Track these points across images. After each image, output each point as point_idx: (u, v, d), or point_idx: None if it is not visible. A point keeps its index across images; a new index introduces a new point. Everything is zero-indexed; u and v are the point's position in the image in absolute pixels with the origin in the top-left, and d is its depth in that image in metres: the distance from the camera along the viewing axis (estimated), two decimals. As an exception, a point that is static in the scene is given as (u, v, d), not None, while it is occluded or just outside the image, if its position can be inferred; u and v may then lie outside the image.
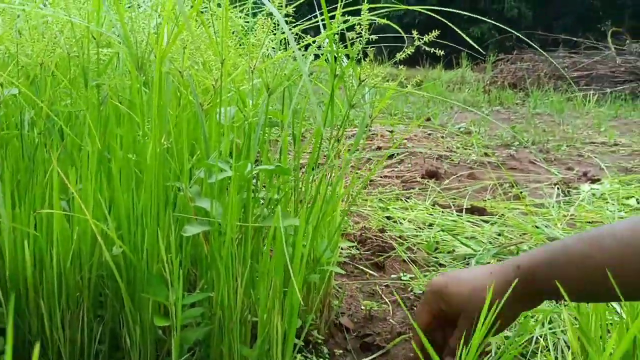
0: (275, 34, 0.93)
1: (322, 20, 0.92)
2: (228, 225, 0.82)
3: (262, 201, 0.95)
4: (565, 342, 1.11)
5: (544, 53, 6.81)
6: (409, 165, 2.89)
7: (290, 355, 0.89)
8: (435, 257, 1.65)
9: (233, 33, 0.99)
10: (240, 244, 0.87)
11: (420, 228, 1.89)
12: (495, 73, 8.00)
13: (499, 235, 1.82)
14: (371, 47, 0.91)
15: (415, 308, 1.31)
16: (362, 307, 1.31)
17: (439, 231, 1.85)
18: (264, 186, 1.00)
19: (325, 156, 0.98)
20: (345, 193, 1.22)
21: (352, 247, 1.67)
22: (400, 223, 1.93)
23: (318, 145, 0.98)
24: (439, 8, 0.91)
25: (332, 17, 0.89)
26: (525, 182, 2.64)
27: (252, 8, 1.12)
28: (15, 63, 0.90)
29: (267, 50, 0.87)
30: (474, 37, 13.04)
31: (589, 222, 1.97)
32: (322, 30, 0.93)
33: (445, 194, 2.35)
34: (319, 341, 1.13)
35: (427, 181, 2.54)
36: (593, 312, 0.92)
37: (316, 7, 0.94)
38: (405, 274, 1.54)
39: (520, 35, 1.05)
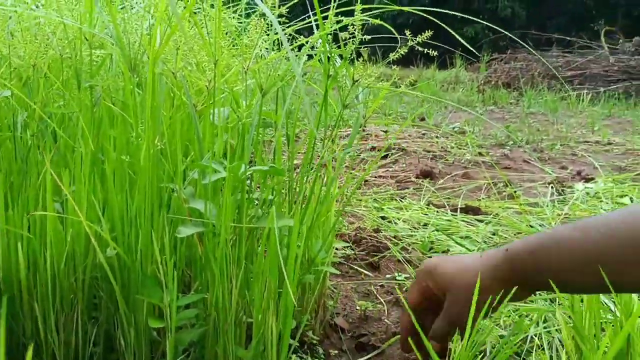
0: (268, 35, 0.93)
1: (316, 20, 0.92)
2: (222, 226, 0.82)
3: (256, 202, 0.95)
4: (560, 341, 1.11)
5: (536, 54, 6.82)
6: (404, 165, 2.89)
7: (285, 355, 0.89)
8: (430, 257, 1.65)
9: (226, 34, 0.99)
10: (235, 245, 0.87)
11: (415, 228, 1.89)
12: (489, 73, 8.01)
13: (494, 234, 1.82)
14: (365, 48, 0.91)
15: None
16: (357, 308, 1.31)
17: (433, 231, 1.85)
18: (258, 187, 1.00)
19: (319, 156, 0.98)
20: (339, 193, 1.22)
21: (347, 247, 1.67)
22: (395, 223, 1.93)
23: (312, 145, 0.98)
24: (432, 9, 0.91)
25: (326, 18, 0.89)
26: (520, 182, 2.65)
27: (246, 9, 1.12)
28: (8, 65, 0.90)
29: (261, 51, 0.87)
30: (468, 37, 13.07)
31: (583, 221, 1.97)
32: (315, 31, 0.93)
33: (440, 193, 2.35)
34: (314, 342, 1.13)
35: (422, 181, 2.55)
36: (587, 311, 0.92)
37: (309, 8, 0.94)
38: (400, 273, 1.54)
39: (513, 36, 1.05)
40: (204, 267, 0.88)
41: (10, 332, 0.90)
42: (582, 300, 0.93)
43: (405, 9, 0.96)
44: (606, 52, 7.48)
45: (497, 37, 11.20)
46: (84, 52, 0.90)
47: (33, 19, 0.92)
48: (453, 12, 0.87)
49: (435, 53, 0.89)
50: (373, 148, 3.25)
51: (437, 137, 3.71)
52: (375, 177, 2.65)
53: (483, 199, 2.29)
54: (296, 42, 0.91)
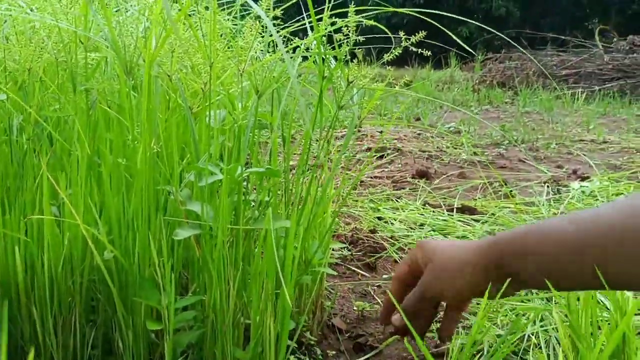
0: (263, 37, 0.94)
1: (310, 22, 0.92)
2: (219, 228, 0.82)
3: (253, 204, 0.95)
4: (557, 340, 1.12)
5: (529, 55, 6.83)
6: (399, 165, 2.90)
7: (283, 356, 0.89)
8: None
9: (221, 36, 0.99)
10: (232, 246, 0.87)
11: (411, 228, 1.90)
12: (484, 72, 8.01)
13: (490, 234, 1.83)
14: (359, 49, 0.91)
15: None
16: (355, 308, 1.32)
17: (430, 231, 1.85)
18: (255, 188, 1.00)
19: (315, 157, 0.98)
20: (335, 194, 1.22)
21: (344, 248, 1.67)
22: (391, 223, 1.93)
23: (307, 146, 0.98)
24: (427, 10, 0.91)
25: (320, 19, 0.90)
26: (515, 181, 2.65)
27: (240, 11, 1.13)
28: (3, 69, 0.90)
29: (256, 53, 0.87)
30: (463, 36, 13.08)
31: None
32: (309, 33, 0.94)
33: (436, 193, 2.35)
34: (312, 342, 1.13)
35: (418, 181, 2.55)
36: (583, 310, 0.93)
37: (303, 10, 0.94)
38: (397, 274, 1.54)
39: (506, 37, 1.06)
40: (202, 269, 0.89)
41: (9, 335, 0.90)
42: (578, 299, 0.94)
43: (400, 10, 0.96)
44: (600, 50, 7.50)
45: (491, 36, 11.22)
46: (79, 55, 0.90)
47: (28, 22, 0.92)
48: (447, 14, 0.87)
49: (430, 53, 0.89)
50: (369, 149, 3.26)
51: (432, 137, 3.71)
52: (371, 177, 2.65)
53: (479, 198, 2.30)
54: (291, 44, 0.91)
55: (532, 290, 1.27)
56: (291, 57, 0.93)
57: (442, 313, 0.93)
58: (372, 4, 1.06)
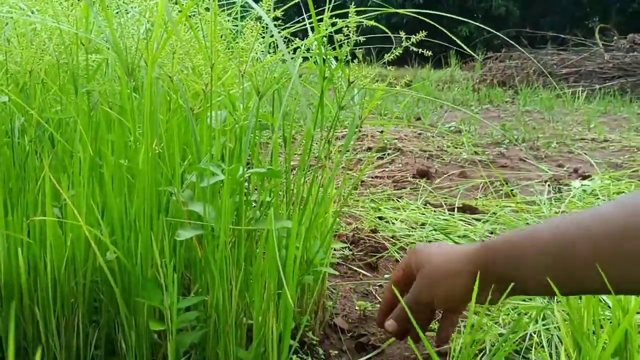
0: (264, 38, 0.94)
1: (310, 23, 0.93)
2: (221, 228, 0.82)
3: (254, 204, 0.95)
4: (559, 338, 1.12)
5: (528, 55, 6.83)
6: (400, 165, 2.90)
7: (286, 356, 0.90)
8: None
9: (222, 37, 0.99)
10: (234, 247, 0.87)
11: (412, 228, 1.90)
12: (484, 71, 8.01)
13: (491, 233, 1.83)
14: (360, 49, 0.92)
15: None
16: (357, 308, 1.32)
17: (431, 230, 1.86)
18: (256, 189, 1.01)
19: (316, 158, 0.98)
20: (336, 194, 1.22)
21: (345, 248, 1.68)
22: (392, 223, 1.93)
23: (309, 147, 0.98)
24: (426, 11, 0.91)
25: (320, 20, 0.90)
26: (516, 180, 2.65)
27: (240, 11, 1.13)
28: (5, 71, 0.90)
29: (257, 53, 0.87)
30: (462, 36, 13.08)
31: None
32: (310, 33, 0.94)
33: (437, 193, 2.35)
34: (314, 342, 1.14)
35: (419, 181, 2.55)
36: (585, 308, 0.93)
37: (304, 10, 0.94)
38: (398, 273, 1.54)
39: (505, 37, 1.06)
40: (204, 269, 0.89)
41: (12, 337, 0.91)
42: (580, 298, 0.94)
43: (400, 10, 0.96)
44: (601, 49, 7.49)
45: (491, 35, 11.21)
46: (81, 57, 0.91)
47: (29, 24, 0.92)
48: (447, 14, 0.87)
49: (430, 53, 0.90)
50: (369, 149, 3.26)
51: (433, 136, 3.71)
52: (372, 177, 2.65)
53: (480, 197, 2.30)
54: (292, 45, 0.92)
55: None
56: (292, 58, 0.93)
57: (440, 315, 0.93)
58: (372, 4, 1.06)
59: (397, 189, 2.42)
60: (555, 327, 1.15)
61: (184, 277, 1.04)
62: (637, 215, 0.70)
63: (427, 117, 4.66)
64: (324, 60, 0.93)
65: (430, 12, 0.90)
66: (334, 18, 0.89)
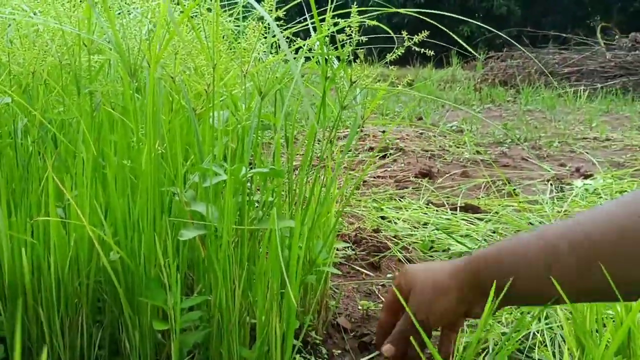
0: (266, 38, 0.94)
1: (312, 23, 0.93)
2: (224, 228, 0.82)
3: (257, 204, 0.95)
4: (562, 337, 1.12)
5: (529, 54, 6.82)
6: (402, 165, 2.90)
7: (289, 356, 0.90)
8: (431, 256, 1.66)
9: (224, 37, 1.00)
10: (237, 246, 0.88)
11: (414, 227, 1.90)
12: (486, 71, 8.01)
13: (494, 232, 1.83)
14: (361, 49, 0.92)
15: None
16: (359, 307, 1.32)
17: (433, 230, 1.86)
18: (258, 189, 1.01)
19: (318, 158, 0.98)
20: (339, 194, 1.22)
21: (348, 247, 1.68)
22: (394, 223, 1.93)
23: (311, 147, 0.98)
24: (428, 10, 0.92)
25: (322, 20, 0.90)
26: (519, 179, 2.65)
27: (242, 12, 1.13)
28: (8, 72, 0.90)
29: (259, 54, 0.87)
30: (464, 35, 13.07)
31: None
32: (312, 33, 0.94)
33: (439, 192, 2.35)
34: (317, 342, 1.14)
35: (421, 180, 2.55)
36: (588, 307, 0.93)
37: (305, 10, 0.94)
38: (401, 273, 1.54)
39: (506, 37, 1.06)
40: (207, 269, 0.89)
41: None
42: (582, 296, 0.94)
43: (401, 10, 0.96)
44: (602, 48, 7.49)
45: (493, 35, 11.20)
46: (83, 58, 0.91)
47: (31, 26, 0.93)
48: (448, 14, 0.87)
49: (432, 52, 0.90)
50: (371, 148, 3.26)
51: (435, 136, 3.71)
52: (374, 177, 2.65)
53: (482, 197, 2.30)
54: (294, 45, 0.92)
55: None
56: (294, 58, 0.93)
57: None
58: (373, 4, 1.07)
59: (399, 189, 2.42)
60: (558, 326, 1.15)
61: (187, 277, 1.04)
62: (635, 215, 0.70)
63: (429, 116, 4.66)
64: (326, 60, 0.93)
65: (432, 11, 0.90)
66: (335, 18, 0.89)
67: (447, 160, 3.04)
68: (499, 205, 2.13)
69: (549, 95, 6.04)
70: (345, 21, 0.88)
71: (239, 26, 1.14)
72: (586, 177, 2.61)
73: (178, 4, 0.90)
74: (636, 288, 0.72)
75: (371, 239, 1.73)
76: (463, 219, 1.97)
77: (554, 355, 1.08)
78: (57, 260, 0.87)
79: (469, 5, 15.25)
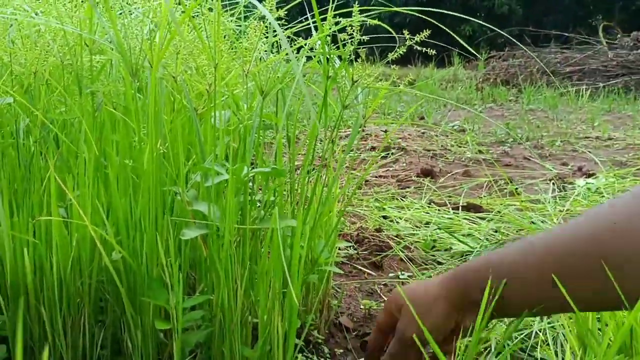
0: (267, 37, 0.94)
1: (314, 22, 0.93)
2: (226, 228, 0.82)
3: (259, 204, 0.95)
4: (564, 336, 1.12)
5: (531, 54, 6.82)
6: (404, 164, 2.90)
7: (291, 355, 0.90)
8: (433, 255, 1.66)
9: (225, 37, 1.00)
10: (239, 246, 0.88)
11: (416, 227, 1.90)
12: (488, 70, 8.01)
13: (496, 231, 1.83)
14: (363, 48, 0.92)
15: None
16: (362, 307, 1.32)
17: (435, 229, 1.86)
18: (260, 189, 1.01)
19: (319, 157, 0.98)
20: (341, 193, 1.22)
21: (350, 247, 1.68)
22: (396, 222, 1.93)
23: (312, 146, 0.98)
24: (429, 9, 0.92)
25: (324, 19, 0.90)
26: (521, 179, 2.65)
27: (244, 11, 1.13)
28: (10, 72, 0.90)
29: (260, 53, 0.87)
30: (465, 35, 13.07)
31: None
32: (313, 33, 0.94)
33: (441, 192, 2.35)
34: (320, 341, 1.14)
35: (423, 180, 2.55)
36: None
37: (307, 10, 0.94)
38: (403, 272, 1.54)
39: (509, 36, 1.06)
40: (209, 268, 0.89)
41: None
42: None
43: (403, 9, 0.96)
44: (604, 47, 7.48)
45: (494, 34, 11.20)
46: (85, 58, 0.91)
47: (33, 26, 0.93)
48: (450, 12, 0.87)
49: (434, 52, 0.90)
50: (373, 148, 3.26)
51: (436, 135, 3.71)
52: (376, 176, 2.65)
53: (484, 196, 2.30)
54: (295, 44, 0.92)
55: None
56: (296, 57, 0.93)
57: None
58: (375, 3, 1.07)
59: (401, 188, 2.42)
60: (560, 325, 1.15)
61: (189, 276, 1.04)
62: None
63: (431, 116, 4.66)
64: (327, 59, 0.93)
65: (434, 10, 0.90)
66: (337, 17, 0.89)
67: (449, 160, 3.04)
68: (501, 204, 2.13)
69: (551, 95, 6.03)
70: (346, 20, 0.88)
71: (240, 26, 1.14)
72: (588, 176, 2.61)
73: (179, 3, 0.90)
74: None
75: (373, 239, 1.73)
76: (465, 218, 1.96)
77: (556, 354, 1.08)
78: (60, 260, 0.87)
79: (471, 5, 15.25)
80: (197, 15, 0.93)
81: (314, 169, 1.02)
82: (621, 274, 0.68)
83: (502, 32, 1.02)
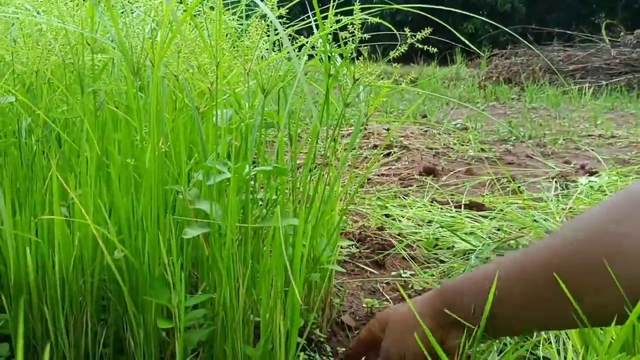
0: (268, 36, 0.94)
1: (315, 20, 0.93)
2: (228, 226, 0.82)
3: (260, 202, 0.95)
4: (567, 334, 1.12)
5: (535, 50, 6.81)
6: (406, 162, 2.90)
7: (293, 354, 0.90)
8: (435, 254, 1.66)
9: (227, 35, 1.00)
10: (241, 244, 0.88)
11: (419, 225, 1.90)
12: (490, 68, 7.99)
13: (498, 230, 1.83)
14: (365, 46, 0.92)
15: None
16: (364, 305, 1.32)
17: (438, 227, 1.86)
18: (262, 187, 1.01)
19: (321, 156, 0.98)
20: (343, 192, 1.22)
21: (352, 245, 1.68)
22: (399, 220, 1.93)
23: (314, 145, 0.98)
24: (431, 6, 0.91)
25: (325, 18, 0.90)
26: (523, 177, 2.65)
27: (245, 10, 1.13)
28: (11, 71, 0.91)
29: (262, 52, 0.87)
30: (468, 32, 13.05)
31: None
32: (315, 31, 0.94)
33: (443, 190, 2.35)
34: (322, 339, 1.14)
35: (425, 178, 2.55)
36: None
37: (308, 8, 0.94)
38: (405, 271, 1.54)
39: (512, 32, 1.06)
40: (211, 267, 0.89)
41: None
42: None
43: (404, 7, 0.96)
44: (607, 45, 7.46)
45: (497, 32, 11.18)
46: (86, 57, 0.91)
47: (35, 25, 0.93)
48: (452, 9, 0.87)
49: (436, 50, 0.90)
50: (375, 146, 3.26)
51: (439, 134, 3.71)
52: (378, 175, 2.65)
53: (487, 194, 2.30)
54: (296, 43, 0.92)
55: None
56: (297, 56, 0.93)
57: None
58: (377, 1, 1.06)
59: (404, 187, 2.42)
60: (562, 323, 1.14)
61: (191, 275, 1.04)
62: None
63: (433, 114, 4.65)
64: (329, 57, 0.93)
65: (436, 6, 0.90)
66: (338, 15, 0.89)
67: (452, 158, 3.04)
68: (504, 202, 2.12)
69: (553, 93, 6.03)
70: (348, 18, 0.88)
71: (242, 24, 1.14)
72: (591, 174, 2.60)
73: (181, 2, 0.90)
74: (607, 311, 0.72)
75: (375, 237, 1.73)
76: (467, 217, 1.96)
77: (559, 353, 1.08)
78: (62, 259, 0.87)
79: (473, 3, 15.22)
80: (199, 14, 0.93)
81: (316, 167, 1.02)
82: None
83: (505, 29, 1.02)
